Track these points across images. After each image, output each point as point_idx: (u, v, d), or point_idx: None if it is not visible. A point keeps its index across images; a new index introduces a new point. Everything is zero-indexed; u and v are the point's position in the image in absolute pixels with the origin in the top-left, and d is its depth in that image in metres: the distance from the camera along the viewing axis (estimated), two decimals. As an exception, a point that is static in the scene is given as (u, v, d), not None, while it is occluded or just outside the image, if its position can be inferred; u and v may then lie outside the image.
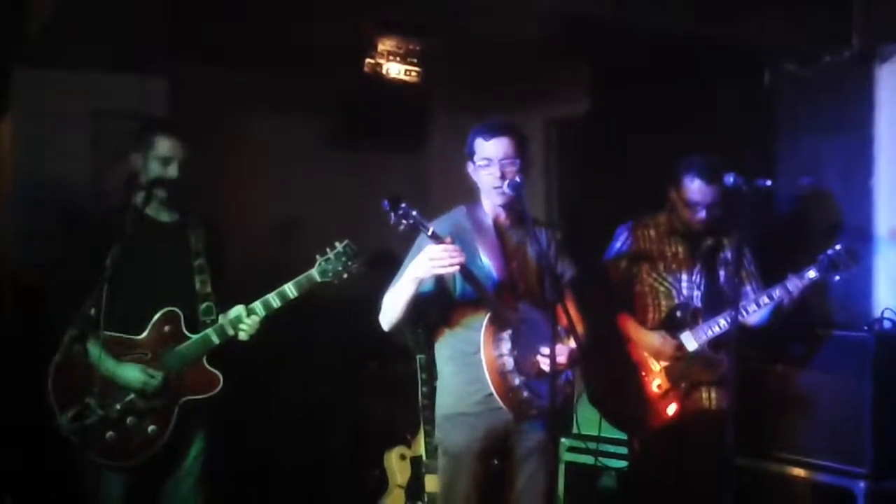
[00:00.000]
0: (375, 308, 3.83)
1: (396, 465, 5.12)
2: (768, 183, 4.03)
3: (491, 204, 3.90)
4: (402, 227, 3.50)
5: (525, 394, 3.67)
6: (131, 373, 3.92)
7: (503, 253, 3.85)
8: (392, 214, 3.48)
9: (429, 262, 3.53)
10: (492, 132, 3.82)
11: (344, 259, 4.02)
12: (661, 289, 4.56)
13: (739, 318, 4.27)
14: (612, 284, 4.61)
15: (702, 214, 4.46)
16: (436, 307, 3.87)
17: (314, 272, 4.02)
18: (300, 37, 5.44)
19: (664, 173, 4.60)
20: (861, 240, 5.07)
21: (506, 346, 3.66)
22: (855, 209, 5.23)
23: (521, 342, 3.68)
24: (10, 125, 6.01)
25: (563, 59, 6.06)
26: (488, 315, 3.72)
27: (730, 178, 4.00)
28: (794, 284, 4.34)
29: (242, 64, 6.05)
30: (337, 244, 4.04)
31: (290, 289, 4.02)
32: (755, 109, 5.56)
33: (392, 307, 3.74)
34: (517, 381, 3.66)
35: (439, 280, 3.73)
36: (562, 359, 3.66)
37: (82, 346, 3.75)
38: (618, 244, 4.66)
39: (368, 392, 6.01)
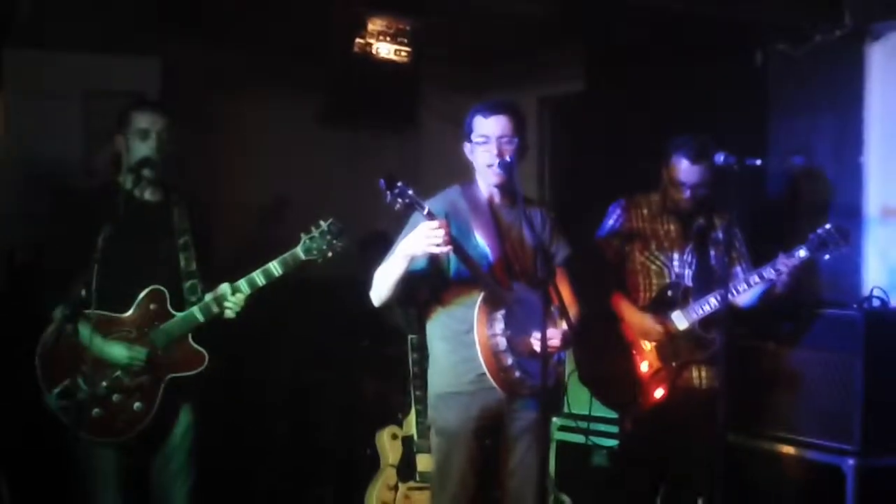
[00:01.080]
0: (367, 287, 3.84)
1: (388, 445, 5.13)
2: (758, 162, 4.04)
3: (485, 183, 3.90)
4: (397, 206, 3.51)
5: (517, 374, 3.68)
6: (117, 350, 3.94)
7: (497, 232, 3.85)
8: (388, 193, 3.48)
9: (423, 239, 3.53)
10: (491, 110, 3.83)
11: (329, 237, 4.02)
12: (653, 267, 4.57)
13: (729, 297, 4.29)
14: (604, 263, 4.62)
15: (687, 194, 4.46)
16: (428, 286, 3.87)
17: (298, 250, 4.02)
18: (293, 16, 5.43)
19: (656, 152, 4.60)
20: (851, 218, 5.08)
21: (499, 326, 3.67)
22: (846, 187, 5.24)
23: (514, 322, 3.69)
24: (2, 105, 5.99)
25: (557, 37, 6.06)
26: (482, 294, 3.72)
27: (720, 157, 4.01)
28: (784, 264, 4.34)
29: (235, 43, 6.04)
30: (321, 222, 4.04)
31: (274, 267, 4.02)
32: (747, 88, 5.56)
33: (383, 283, 3.75)
34: (510, 361, 3.67)
35: (433, 259, 3.73)
36: (555, 341, 3.67)
37: (73, 326, 3.77)
38: (610, 221, 4.66)
39: (360, 371, 6.02)
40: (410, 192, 3.50)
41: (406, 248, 3.62)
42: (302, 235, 4.03)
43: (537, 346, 3.63)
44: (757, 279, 4.39)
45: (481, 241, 3.80)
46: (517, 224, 3.91)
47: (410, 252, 3.61)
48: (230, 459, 5.26)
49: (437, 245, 3.52)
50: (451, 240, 3.54)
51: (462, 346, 3.77)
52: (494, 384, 3.72)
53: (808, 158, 5.40)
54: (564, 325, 3.73)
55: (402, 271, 3.66)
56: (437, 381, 3.92)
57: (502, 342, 3.66)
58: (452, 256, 3.74)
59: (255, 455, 5.76)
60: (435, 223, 3.52)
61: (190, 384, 4.06)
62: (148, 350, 3.97)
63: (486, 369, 3.69)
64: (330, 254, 4.04)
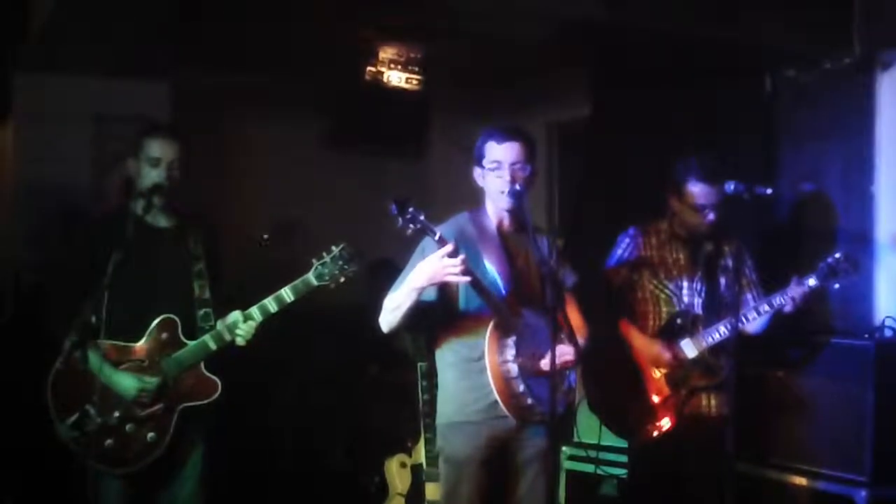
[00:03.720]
0: (375, 314, 3.82)
1: (397, 473, 5.11)
2: (768, 191, 4.03)
3: (495, 209, 3.88)
4: (409, 231, 3.49)
5: (529, 400, 3.66)
6: (127, 381, 3.91)
7: (507, 258, 3.83)
8: (400, 218, 3.47)
9: (440, 268, 3.52)
10: (504, 136, 3.81)
11: (340, 263, 3.99)
12: (662, 296, 4.56)
13: (739, 325, 4.28)
14: (613, 291, 4.60)
15: (710, 216, 4.44)
16: (438, 315, 3.85)
17: (310, 276, 3.99)
18: (302, 41, 5.44)
19: (665, 178, 4.59)
20: (861, 246, 5.07)
21: (510, 353, 3.65)
22: (855, 215, 5.23)
23: (524, 348, 3.67)
24: (12, 129, 6.01)
25: (564, 62, 6.06)
26: (493, 321, 3.70)
27: (730, 186, 4.00)
28: (794, 292, 4.33)
29: (244, 68, 6.05)
30: (333, 247, 4.02)
31: (287, 293, 3.99)
32: (756, 115, 5.56)
33: (393, 312, 3.72)
34: (521, 388, 3.65)
35: (442, 289, 3.71)
36: (568, 357, 3.63)
37: (82, 354, 3.75)
38: (619, 251, 4.64)
39: (369, 399, 6.00)
40: (422, 216, 3.49)
41: (419, 277, 3.59)
42: (313, 261, 4.00)
43: (544, 367, 3.62)
44: (767, 307, 4.38)
45: (491, 268, 3.78)
46: (525, 250, 3.89)
47: (424, 282, 3.59)
48: (238, 487, 5.24)
49: (454, 275, 3.51)
50: (466, 266, 3.54)
51: (472, 373, 3.75)
52: (506, 412, 3.69)
53: (818, 185, 5.39)
54: (573, 352, 3.72)
55: (414, 301, 3.64)
56: (447, 409, 3.88)
57: (514, 368, 3.64)
58: (463, 286, 3.72)
59: (262, 482, 5.73)
60: (449, 248, 3.51)
61: (202, 413, 4.04)
62: (159, 380, 3.94)
63: (497, 396, 3.67)
64: (342, 279, 4.01)
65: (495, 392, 3.67)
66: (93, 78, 5.98)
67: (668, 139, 5.50)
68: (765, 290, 4.54)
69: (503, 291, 3.76)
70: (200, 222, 4.20)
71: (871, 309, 5.11)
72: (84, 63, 5.78)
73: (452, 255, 3.50)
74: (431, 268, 3.54)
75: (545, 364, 3.64)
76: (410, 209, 3.47)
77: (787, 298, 4.34)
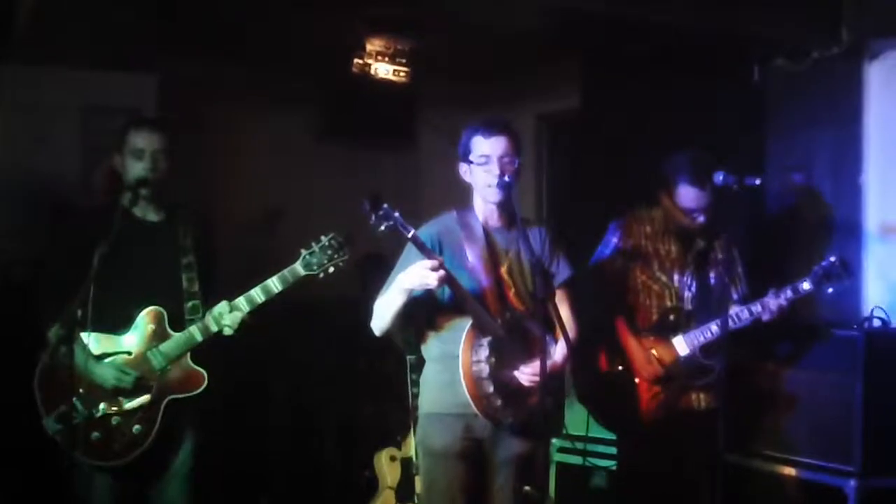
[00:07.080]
0: (364, 308, 3.83)
1: (386, 467, 5.11)
2: (757, 181, 4.02)
3: (483, 205, 3.87)
4: (382, 229, 3.48)
5: (498, 402, 3.64)
6: (106, 371, 3.90)
7: (491, 258, 3.82)
8: (372, 216, 3.45)
9: (418, 277, 3.54)
10: (491, 130, 3.79)
11: (329, 252, 3.99)
12: (655, 287, 4.53)
13: (729, 324, 4.24)
14: (605, 281, 4.57)
15: (700, 219, 4.43)
16: (424, 310, 3.84)
17: (298, 265, 3.98)
18: (292, 34, 5.42)
19: (654, 169, 4.57)
20: (850, 235, 5.07)
21: (483, 353, 3.62)
22: (845, 205, 5.23)
23: (500, 350, 3.64)
24: (0, 120, 5.98)
25: (555, 54, 6.04)
26: (472, 320, 3.69)
27: (720, 177, 3.99)
28: (787, 296, 4.32)
29: (234, 61, 6.03)
30: (322, 237, 4.01)
31: (273, 283, 3.99)
32: (745, 105, 5.55)
33: (383, 315, 3.74)
34: (491, 389, 3.62)
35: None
36: (535, 377, 3.61)
37: (68, 346, 3.73)
38: (613, 239, 4.59)
39: (358, 393, 5.99)
40: (396, 214, 3.48)
41: (403, 283, 3.62)
42: (301, 251, 3.99)
43: (522, 379, 3.64)
44: (759, 308, 4.35)
45: (474, 267, 3.77)
46: (514, 247, 3.86)
47: (407, 286, 3.62)
48: (227, 482, 5.23)
49: (430, 283, 3.54)
50: (446, 276, 3.55)
51: (451, 369, 3.73)
52: (476, 411, 3.68)
53: (807, 175, 5.39)
54: (557, 354, 3.70)
55: (401, 304, 3.67)
56: (427, 401, 3.89)
57: (485, 369, 3.61)
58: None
59: (252, 477, 5.73)
60: (432, 263, 3.51)
61: (190, 406, 4.02)
62: (139, 372, 3.94)
63: (467, 395, 3.65)
64: (331, 269, 4.00)
65: (465, 391, 3.65)
66: (82, 70, 5.95)
67: (656, 130, 5.49)
68: (753, 283, 4.52)
69: (484, 293, 3.74)
70: (190, 215, 4.19)
71: (860, 300, 5.11)
72: (73, 55, 5.75)
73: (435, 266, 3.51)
74: (412, 276, 3.57)
75: (519, 373, 3.65)
76: (384, 206, 3.45)
77: (780, 303, 4.32)
